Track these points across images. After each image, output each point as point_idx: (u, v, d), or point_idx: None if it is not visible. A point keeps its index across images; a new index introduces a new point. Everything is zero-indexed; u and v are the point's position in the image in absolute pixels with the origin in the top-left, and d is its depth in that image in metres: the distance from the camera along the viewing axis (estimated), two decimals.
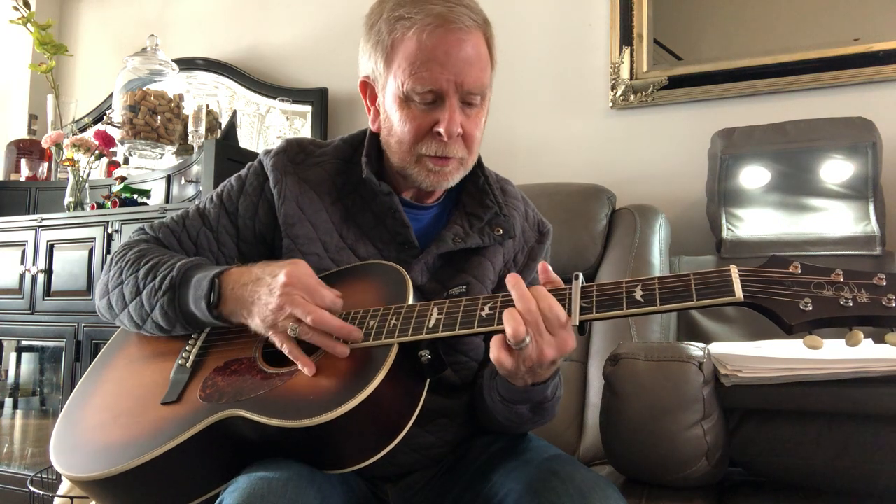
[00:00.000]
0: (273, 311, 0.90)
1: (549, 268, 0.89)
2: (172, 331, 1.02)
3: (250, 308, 0.93)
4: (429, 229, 1.11)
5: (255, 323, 0.93)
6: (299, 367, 0.90)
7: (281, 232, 1.07)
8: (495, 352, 0.84)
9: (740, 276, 0.78)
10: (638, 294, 0.81)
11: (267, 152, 1.13)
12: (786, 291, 0.76)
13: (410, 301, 0.94)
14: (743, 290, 0.77)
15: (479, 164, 1.12)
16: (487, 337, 0.89)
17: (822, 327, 0.75)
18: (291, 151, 1.12)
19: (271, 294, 0.90)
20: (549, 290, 0.85)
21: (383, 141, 1.07)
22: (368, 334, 0.90)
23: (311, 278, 0.93)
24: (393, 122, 1.02)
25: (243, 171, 1.14)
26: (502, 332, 0.83)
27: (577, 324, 0.82)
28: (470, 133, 1.02)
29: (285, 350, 0.91)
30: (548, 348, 0.82)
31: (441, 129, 0.98)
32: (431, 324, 0.88)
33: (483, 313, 0.87)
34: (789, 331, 0.75)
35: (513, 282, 0.85)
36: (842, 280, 0.75)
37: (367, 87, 1.08)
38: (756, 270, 0.79)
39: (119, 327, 1.11)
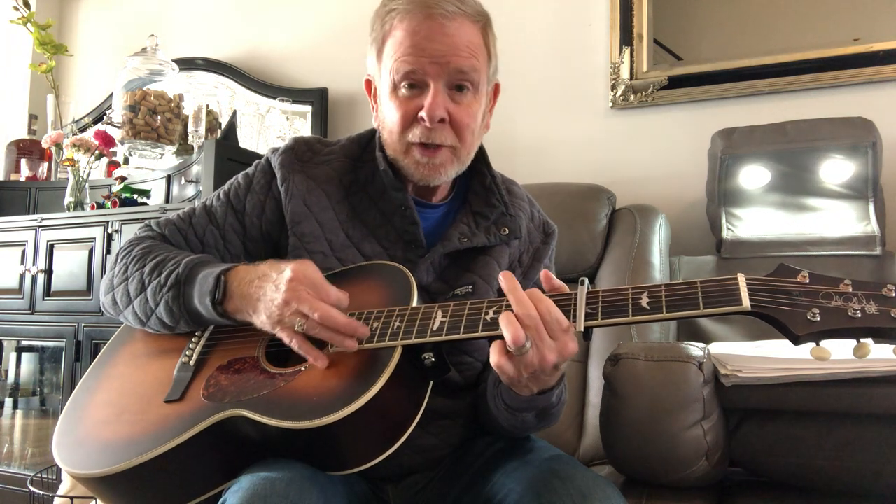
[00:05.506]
0: (279, 307, 0.89)
1: (552, 275, 0.88)
2: (176, 328, 1.02)
3: (256, 305, 0.92)
4: (435, 229, 1.11)
5: (261, 319, 0.92)
6: (311, 360, 0.89)
7: (287, 230, 1.07)
8: (495, 357, 0.83)
9: (748, 284, 0.77)
10: (644, 301, 0.80)
11: (274, 150, 1.13)
12: (794, 301, 0.75)
13: (415, 303, 0.94)
14: (750, 300, 0.76)
15: (486, 164, 1.13)
16: (493, 338, 0.88)
17: (829, 338, 0.74)
18: (299, 149, 1.12)
19: (277, 290, 0.90)
20: (555, 296, 0.84)
21: (381, 136, 1.08)
22: (372, 336, 0.90)
23: (317, 274, 0.92)
24: (385, 114, 1.04)
25: (250, 169, 1.15)
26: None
27: (582, 330, 0.82)
28: (459, 120, 1.01)
29: (294, 345, 0.90)
30: (549, 353, 0.81)
31: (423, 113, 0.99)
32: (435, 327, 0.88)
33: (488, 317, 0.86)
34: (796, 341, 0.75)
35: (508, 286, 0.84)
36: (850, 291, 0.74)
37: (371, 85, 1.11)
38: (764, 279, 0.78)
39: (123, 324, 1.11)
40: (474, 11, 1.02)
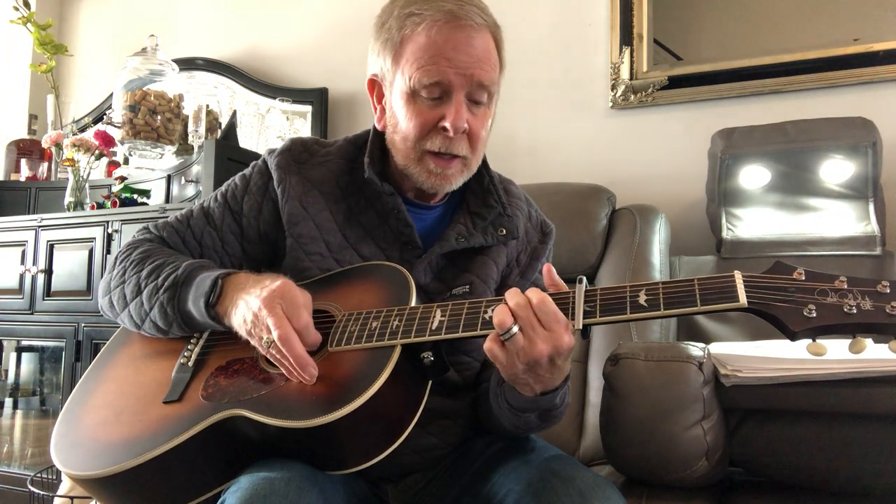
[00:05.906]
0: (254, 312, 0.89)
1: (553, 271, 0.89)
2: (169, 331, 1.02)
3: (237, 308, 0.92)
4: (432, 229, 1.11)
5: (238, 322, 0.92)
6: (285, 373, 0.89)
7: (284, 231, 1.07)
8: (487, 342, 0.84)
9: (744, 281, 0.78)
10: (642, 299, 0.81)
11: (271, 151, 1.13)
12: (790, 298, 0.76)
13: (413, 302, 0.94)
14: (747, 297, 0.76)
15: (484, 164, 1.13)
16: None
17: (825, 335, 0.74)
18: (295, 150, 1.12)
19: (258, 297, 0.90)
20: (553, 294, 0.85)
21: (388, 139, 1.07)
22: (371, 335, 0.90)
23: (301, 297, 0.91)
24: (399, 119, 1.02)
25: (247, 171, 1.14)
26: None
27: (581, 328, 0.82)
28: (475, 132, 1.01)
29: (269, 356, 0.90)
30: (542, 343, 0.81)
31: (447, 124, 0.98)
32: (434, 326, 0.88)
33: (486, 316, 0.87)
34: (793, 338, 0.75)
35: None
36: (846, 287, 0.75)
37: (375, 86, 1.08)
38: (760, 276, 0.79)
39: (121, 325, 1.11)
40: (492, 22, 1.03)
